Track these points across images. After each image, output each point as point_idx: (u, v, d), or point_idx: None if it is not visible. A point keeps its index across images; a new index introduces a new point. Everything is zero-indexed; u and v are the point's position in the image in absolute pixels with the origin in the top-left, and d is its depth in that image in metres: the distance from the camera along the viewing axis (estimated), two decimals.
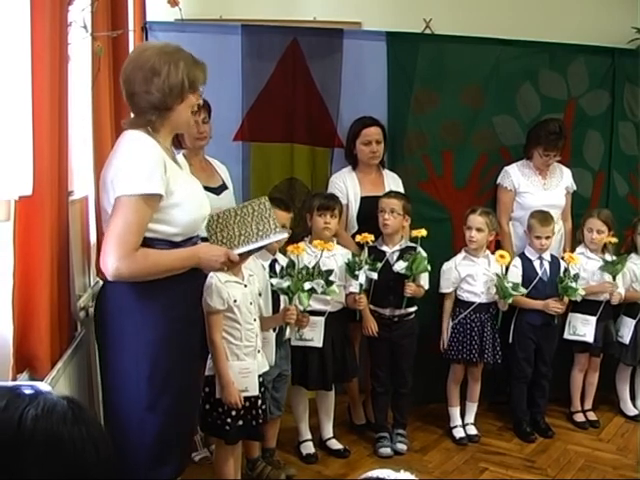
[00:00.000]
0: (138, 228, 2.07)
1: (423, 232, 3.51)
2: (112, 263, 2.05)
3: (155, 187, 2.08)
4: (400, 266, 3.49)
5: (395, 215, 3.53)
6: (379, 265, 3.46)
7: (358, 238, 3.48)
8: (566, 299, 3.74)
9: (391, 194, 3.61)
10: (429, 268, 3.54)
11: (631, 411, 4.10)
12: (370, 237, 3.45)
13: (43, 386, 1.05)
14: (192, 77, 2.18)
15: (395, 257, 3.56)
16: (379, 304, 3.59)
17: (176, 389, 2.18)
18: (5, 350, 1.88)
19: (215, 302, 2.68)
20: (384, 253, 3.57)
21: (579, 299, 3.77)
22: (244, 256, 2.41)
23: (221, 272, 2.62)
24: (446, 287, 3.75)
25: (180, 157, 2.43)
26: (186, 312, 2.21)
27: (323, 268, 3.21)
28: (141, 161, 2.09)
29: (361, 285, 3.42)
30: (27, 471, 0.94)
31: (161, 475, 2.20)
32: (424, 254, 3.51)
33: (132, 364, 2.15)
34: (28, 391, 1.00)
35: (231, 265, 2.32)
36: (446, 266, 3.75)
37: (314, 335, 3.36)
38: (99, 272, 2.75)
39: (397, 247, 3.58)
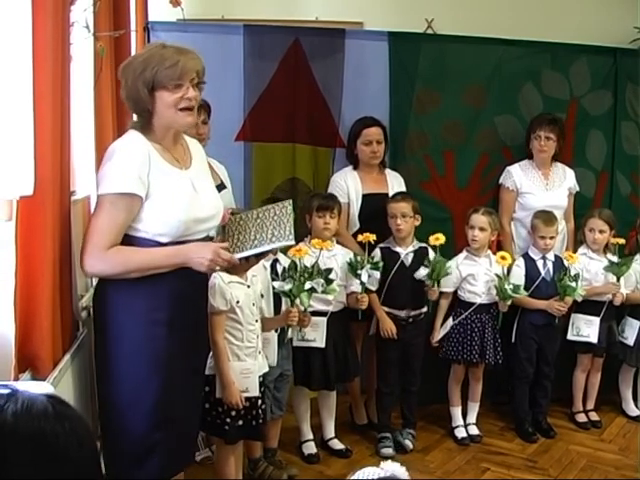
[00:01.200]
0: (110, 226, 2.11)
1: (441, 239, 3.50)
2: (84, 260, 2.14)
3: (128, 186, 2.09)
4: (422, 274, 3.51)
5: (407, 219, 3.54)
6: (381, 264, 3.46)
7: (360, 238, 3.47)
8: (569, 299, 3.74)
9: (398, 197, 3.60)
10: (450, 272, 3.56)
11: (633, 412, 4.09)
12: (372, 237, 3.44)
13: (20, 385, 1.05)
14: (147, 79, 2.15)
15: (410, 259, 3.56)
16: (394, 306, 3.59)
17: (157, 391, 2.19)
18: (7, 350, 1.88)
19: (218, 303, 2.68)
20: (398, 254, 3.57)
21: (579, 299, 3.77)
22: (256, 258, 2.39)
23: (218, 271, 2.60)
24: (446, 286, 3.74)
25: (200, 151, 2.41)
26: (170, 316, 2.19)
27: (323, 267, 3.21)
28: (119, 161, 2.12)
29: (363, 284, 3.42)
30: (11, 467, 0.93)
31: (141, 474, 2.20)
32: (444, 260, 3.51)
33: (115, 363, 2.19)
34: (4, 390, 1.00)
35: (227, 265, 2.28)
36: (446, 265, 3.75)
37: (316, 335, 3.37)
38: None
39: (410, 248, 3.59)
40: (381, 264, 3.46)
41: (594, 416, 4.03)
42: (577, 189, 4.08)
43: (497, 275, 3.63)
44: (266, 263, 3.11)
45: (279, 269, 3.14)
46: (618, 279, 3.85)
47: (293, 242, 2.42)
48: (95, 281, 2.73)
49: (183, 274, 2.19)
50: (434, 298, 3.59)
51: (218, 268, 2.27)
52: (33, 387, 1.06)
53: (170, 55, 2.16)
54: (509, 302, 3.63)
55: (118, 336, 2.18)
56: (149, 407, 2.19)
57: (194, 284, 2.32)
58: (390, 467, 1.12)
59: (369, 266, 3.40)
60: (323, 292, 3.16)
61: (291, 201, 2.43)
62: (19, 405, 0.97)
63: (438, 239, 3.50)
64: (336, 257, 3.44)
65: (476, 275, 3.70)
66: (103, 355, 2.24)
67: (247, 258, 2.39)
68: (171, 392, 2.22)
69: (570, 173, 4.07)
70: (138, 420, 2.18)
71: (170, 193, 2.18)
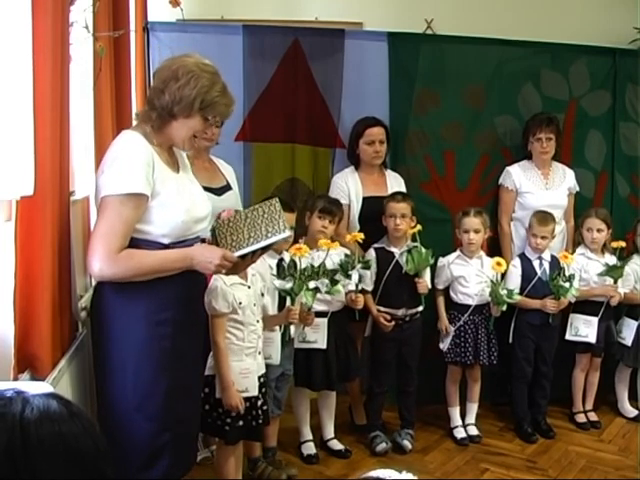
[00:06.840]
0: (121, 228, 2.08)
1: (418, 227, 3.53)
2: (94, 264, 2.09)
3: (138, 187, 2.08)
4: (405, 267, 3.53)
5: (407, 220, 3.54)
6: (372, 263, 3.47)
7: (348, 238, 3.46)
8: (564, 300, 3.74)
9: (398, 197, 3.59)
10: (431, 261, 3.55)
11: (630, 412, 4.08)
12: (360, 236, 3.44)
13: (23, 386, 1.05)
14: (207, 100, 2.17)
15: (404, 258, 3.56)
16: (390, 305, 3.58)
17: (165, 392, 2.18)
18: (6, 350, 1.88)
19: (220, 305, 2.68)
20: (392, 254, 3.57)
21: (573, 300, 3.77)
22: (252, 257, 2.37)
23: (221, 275, 2.58)
24: (437, 284, 3.75)
25: (183, 158, 2.42)
26: (175, 316, 2.19)
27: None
28: (125, 162, 2.11)
29: (357, 284, 3.41)
30: (46, 474, 0.94)
31: (151, 475, 2.20)
32: (423, 249, 3.51)
33: (119, 365, 2.17)
34: (16, 395, 1.00)
35: (231, 267, 2.27)
36: (440, 263, 3.75)
37: (317, 337, 3.37)
38: None
39: (405, 248, 3.59)
40: (372, 263, 3.47)
41: (593, 416, 4.03)
42: (577, 189, 4.08)
43: (491, 280, 3.62)
44: (272, 262, 3.11)
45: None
46: (615, 281, 3.85)
47: (290, 233, 2.44)
48: (95, 282, 2.74)
49: (185, 275, 2.19)
50: (423, 291, 3.55)
51: (224, 271, 2.25)
52: (33, 387, 1.06)
53: (229, 94, 2.24)
54: (503, 307, 3.63)
55: (122, 339, 2.16)
56: (158, 408, 2.18)
57: (195, 284, 2.33)
58: (406, 477, 1.12)
59: (360, 265, 3.40)
60: (327, 292, 3.16)
61: (277, 198, 2.42)
62: (36, 411, 0.97)
63: (415, 228, 3.51)
64: (331, 257, 3.43)
65: (467, 277, 3.70)
66: (106, 359, 2.21)
67: (243, 256, 2.37)
68: (178, 392, 2.22)
69: (570, 173, 4.07)
70: (147, 422, 2.17)
71: (173, 194, 2.18)
